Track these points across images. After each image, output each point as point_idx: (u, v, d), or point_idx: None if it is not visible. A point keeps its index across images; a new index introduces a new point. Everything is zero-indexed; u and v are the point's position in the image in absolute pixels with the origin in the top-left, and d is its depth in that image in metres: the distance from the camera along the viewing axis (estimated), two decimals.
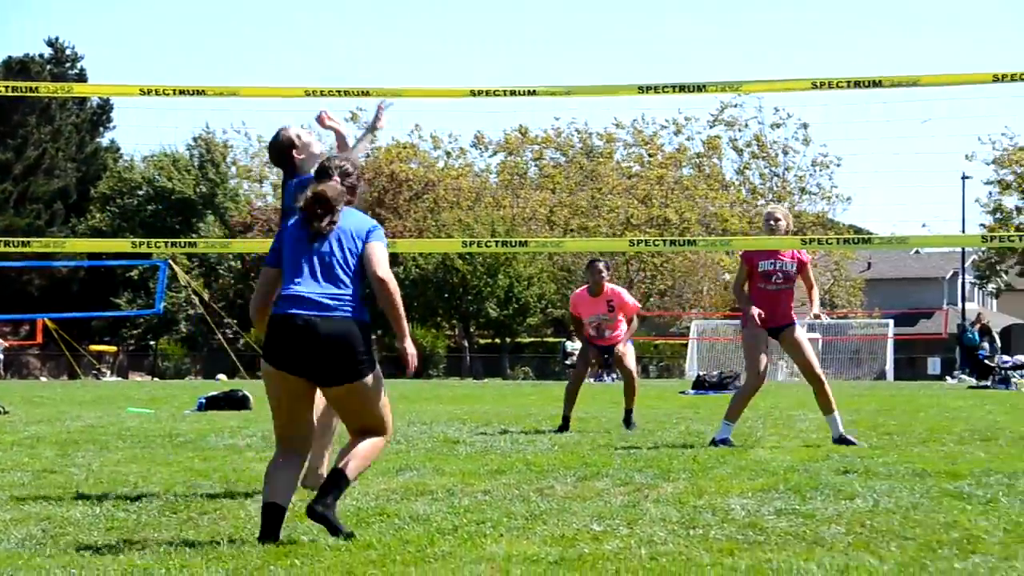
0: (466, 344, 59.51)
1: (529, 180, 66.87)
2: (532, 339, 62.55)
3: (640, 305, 14.79)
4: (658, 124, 66.20)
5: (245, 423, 15.28)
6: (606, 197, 62.23)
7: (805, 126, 63.55)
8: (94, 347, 55.33)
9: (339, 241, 6.68)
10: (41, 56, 64.01)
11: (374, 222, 6.86)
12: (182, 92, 11.76)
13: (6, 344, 51.03)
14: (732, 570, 5.52)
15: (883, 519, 6.79)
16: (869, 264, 70.39)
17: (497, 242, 13.38)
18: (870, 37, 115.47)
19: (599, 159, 65.52)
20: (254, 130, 69.30)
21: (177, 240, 14.92)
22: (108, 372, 52.48)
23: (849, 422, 13.79)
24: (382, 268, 6.64)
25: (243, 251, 55.68)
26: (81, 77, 63.45)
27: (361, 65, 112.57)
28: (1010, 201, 62.30)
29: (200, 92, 11.89)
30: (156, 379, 50.54)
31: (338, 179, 6.93)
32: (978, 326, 38.10)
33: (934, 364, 54.16)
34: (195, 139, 63.70)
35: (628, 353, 14.78)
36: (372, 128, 9.43)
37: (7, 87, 16.73)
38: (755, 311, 11.68)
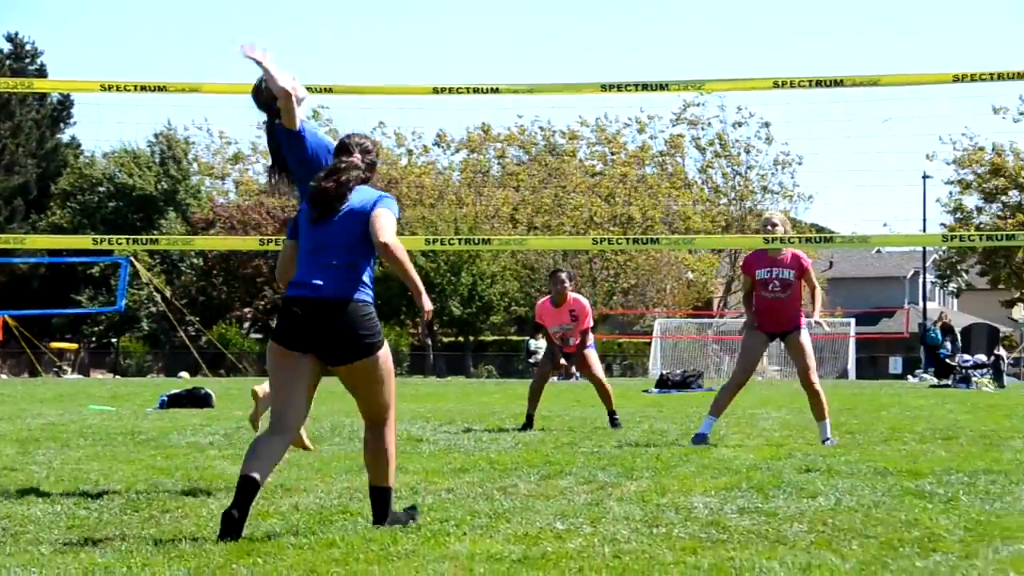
0: (429, 342, 59.44)
1: (492, 178, 66.87)
2: (495, 337, 62.55)
3: (593, 323, 14.88)
4: (621, 122, 66.37)
5: (207, 421, 15.22)
6: (570, 195, 62.26)
7: (767, 125, 63.80)
8: (55, 344, 54.96)
9: (348, 220, 6.73)
10: (0, 51, 63.56)
11: (383, 194, 6.87)
12: (143, 88, 11.72)
13: None
14: (695, 568, 5.53)
15: (845, 517, 6.81)
16: (831, 263, 70.66)
17: (460, 240, 13.39)
18: (831, 37, 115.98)
19: (563, 157, 65.57)
20: (216, 126, 69.23)
21: (139, 237, 14.89)
22: (69, 369, 52.16)
23: (811, 420, 13.85)
24: (385, 234, 6.66)
25: (205, 248, 55.50)
26: (41, 73, 62.99)
27: (324, 61, 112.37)
28: (970, 201, 62.69)
29: (162, 88, 11.84)
30: (118, 377, 50.27)
31: (359, 156, 6.94)
32: (940, 324, 38.31)
33: (896, 363, 54.41)
34: (156, 135, 63.42)
35: (593, 362, 14.83)
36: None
37: None
38: (750, 321, 12.16)
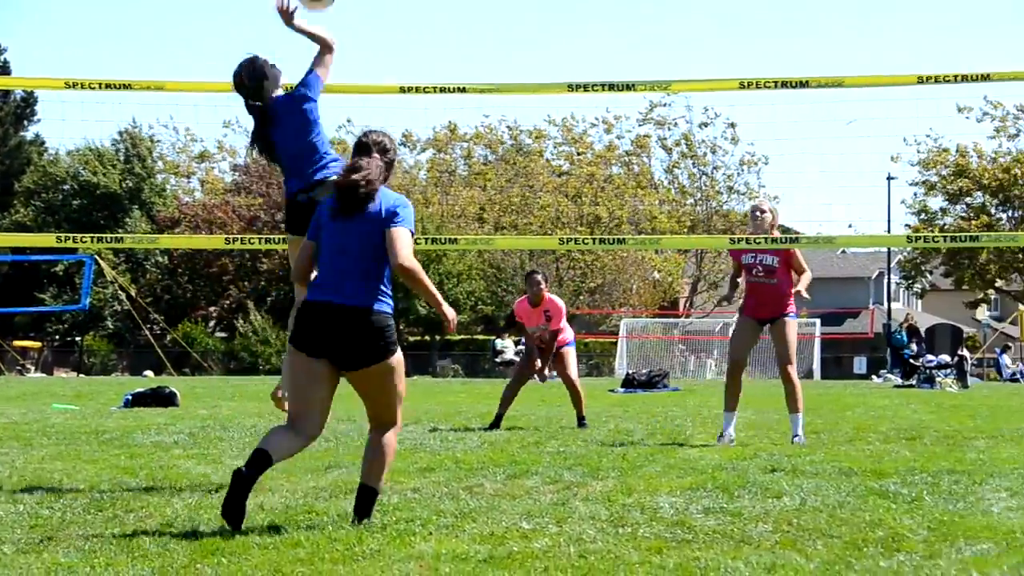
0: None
1: (459, 177, 66.80)
2: (462, 336, 62.50)
3: (561, 327, 14.92)
4: (588, 122, 66.41)
5: (172, 420, 15.17)
6: (537, 195, 62.26)
7: (733, 125, 63.87)
8: (18, 343, 54.64)
9: (369, 223, 6.76)
10: None
11: (401, 202, 6.87)
12: (108, 86, 11.68)
13: None
14: (660, 568, 5.54)
15: (810, 517, 6.84)
16: None
17: (427, 239, 13.35)
18: (797, 38, 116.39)
19: (530, 156, 65.56)
20: (182, 123, 68.99)
21: (103, 235, 14.83)
22: (32, 368, 51.88)
23: (776, 420, 13.91)
24: (404, 257, 6.69)
25: (170, 247, 55.24)
26: (4, 70, 62.53)
27: (290, 60, 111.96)
28: (935, 202, 62.93)
29: (126, 86, 11.80)
30: (82, 375, 50.01)
31: (377, 155, 6.91)
32: (906, 327, 38.49)
33: (860, 363, 54.59)
34: (121, 133, 63.15)
35: (570, 362, 14.91)
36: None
37: None
38: (727, 295, 12.86)
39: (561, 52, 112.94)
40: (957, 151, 61.10)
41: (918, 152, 62.12)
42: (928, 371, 32.16)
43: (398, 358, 6.77)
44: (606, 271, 61.29)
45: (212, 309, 59.45)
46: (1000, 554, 5.82)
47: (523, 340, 15.11)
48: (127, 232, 54.37)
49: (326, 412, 6.89)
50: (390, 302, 6.78)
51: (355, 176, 6.74)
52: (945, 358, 34.20)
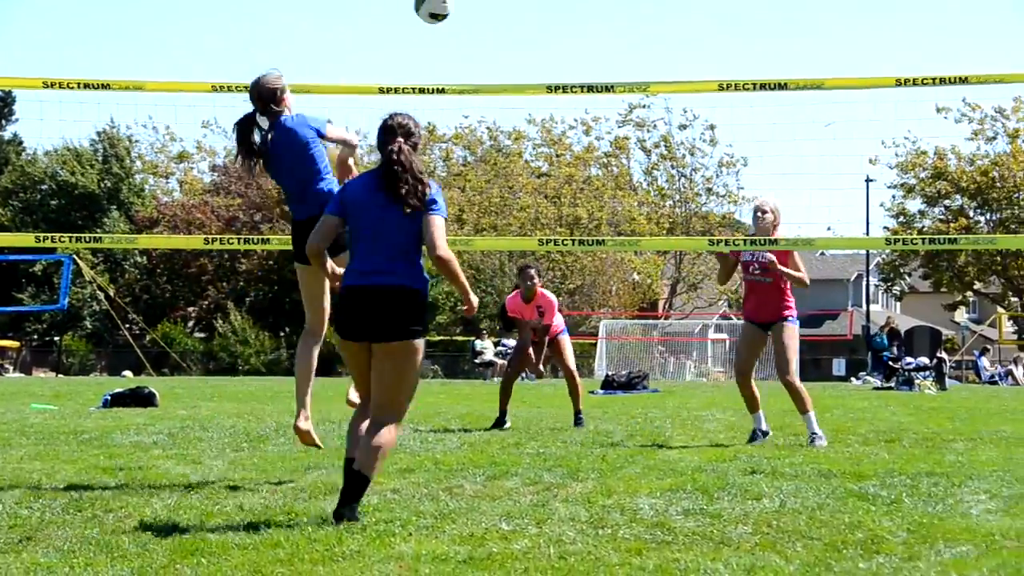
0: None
1: (438, 178, 66.76)
2: (441, 337, 62.47)
3: (555, 324, 14.92)
4: (567, 124, 66.44)
5: (151, 420, 15.13)
6: (516, 196, 62.26)
7: (712, 127, 63.95)
8: None
9: (405, 208, 6.88)
10: None
11: (434, 187, 7.00)
12: (87, 85, 11.67)
13: None
14: (640, 569, 5.54)
15: (789, 519, 6.85)
16: None
17: None
18: (775, 40, 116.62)
19: (510, 157, 65.56)
20: (162, 122, 68.80)
21: (82, 235, 14.80)
22: (11, 368, 51.70)
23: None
24: (442, 248, 6.88)
25: (149, 247, 55.12)
26: None
27: (270, 60, 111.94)
28: (913, 205, 63.14)
29: (105, 86, 11.79)
30: (60, 375, 49.86)
31: (402, 139, 6.96)
32: (887, 329, 38.59)
33: (839, 365, 54.68)
34: (99, 133, 62.95)
35: (567, 352, 14.93)
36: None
37: None
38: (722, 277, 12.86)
39: (541, 54, 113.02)
40: (935, 154, 61.29)
41: (896, 155, 62.36)
42: (907, 373, 32.22)
43: (420, 345, 6.90)
44: (585, 272, 61.32)
45: (191, 309, 59.31)
46: (979, 556, 5.84)
47: (502, 340, 15.12)
48: (106, 232, 54.23)
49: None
50: (426, 282, 6.97)
51: (395, 161, 6.88)
52: (924, 360, 34.26)
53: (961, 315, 77.11)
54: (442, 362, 57.24)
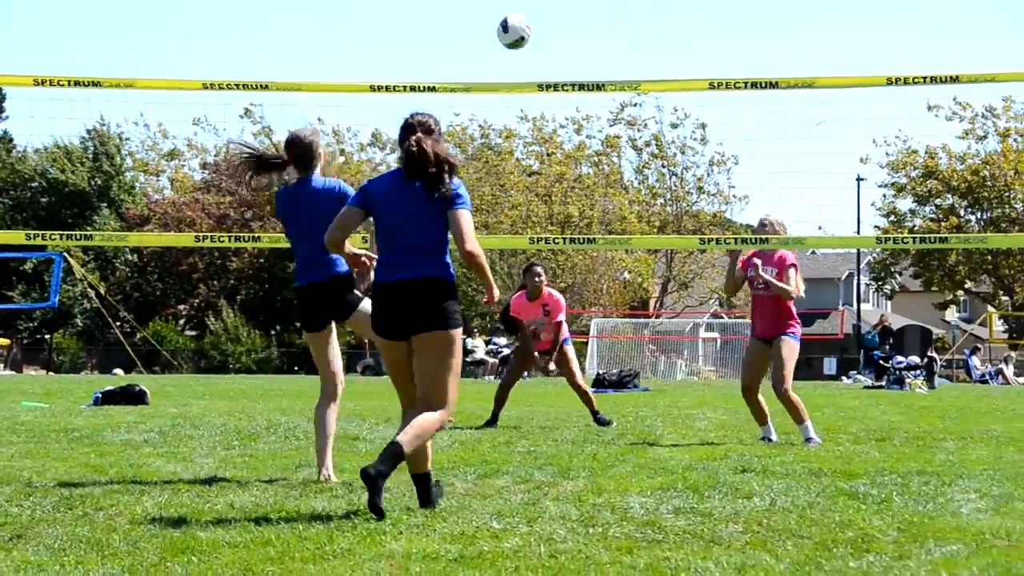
0: (366, 340, 59.05)
1: None
2: None
3: (562, 321, 14.87)
4: (558, 122, 66.37)
5: (142, 418, 15.12)
6: (507, 194, 62.20)
7: (703, 126, 63.89)
8: None
9: (432, 200, 6.96)
10: None
11: (458, 181, 7.03)
12: (78, 83, 11.67)
13: None
14: (631, 568, 5.54)
15: (780, 518, 6.85)
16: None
17: None
18: (767, 38, 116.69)
19: (501, 155, 65.48)
20: (153, 120, 68.70)
21: (72, 232, 14.79)
22: (1, 366, 51.63)
23: (747, 421, 13.93)
24: (469, 242, 6.96)
25: (140, 244, 55.06)
26: None
27: (261, 58, 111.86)
28: (904, 204, 63.20)
29: (96, 84, 11.80)
30: (51, 373, 49.81)
31: (423, 135, 6.99)
32: (880, 327, 38.65)
33: (830, 364, 54.74)
34: (89, 131, 62.85)
35: (573, 363, 14.91)
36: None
37: None
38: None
39: (532, 52, 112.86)
40: (926, 153, 61.35)
41: (887, 154, 62.40)
42: (897, 372, 32.27)
43: (458, 335, 6.99)
44: (576, 271, 61.28)
45: (182, 307, 59.26)
46: (969, 555, 5.85)
47: (493, 339, 15.10)
48: (96, 230, 54.20)
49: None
50: (452, 273, 7.05)
51: (417, 150, 6.91)
52: (915, 359, 34.32)
53: (952, 314, 77.14)
54: None
